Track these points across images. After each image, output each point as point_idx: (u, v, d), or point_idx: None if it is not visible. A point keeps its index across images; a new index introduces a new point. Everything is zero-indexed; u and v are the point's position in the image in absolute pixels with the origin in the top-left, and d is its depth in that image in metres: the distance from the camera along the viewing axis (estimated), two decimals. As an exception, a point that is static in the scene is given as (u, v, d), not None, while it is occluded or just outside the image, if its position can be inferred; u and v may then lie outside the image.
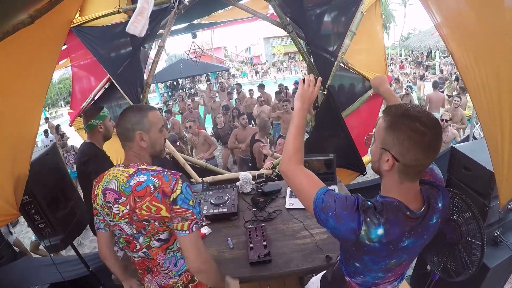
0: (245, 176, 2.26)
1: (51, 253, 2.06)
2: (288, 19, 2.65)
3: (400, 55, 25.73)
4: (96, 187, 1.18)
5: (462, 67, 1.44)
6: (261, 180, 2.41)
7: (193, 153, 5.40)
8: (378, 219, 0.85)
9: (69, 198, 2.18)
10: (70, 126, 3.41)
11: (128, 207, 1.08)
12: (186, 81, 19.15)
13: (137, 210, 1.06)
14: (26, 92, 1.91)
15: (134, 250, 1.19)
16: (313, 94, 1.15)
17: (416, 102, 9.44)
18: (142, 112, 1.17)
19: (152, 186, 1.05)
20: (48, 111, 23.09)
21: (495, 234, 1.86)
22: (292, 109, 4.80)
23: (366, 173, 3.03)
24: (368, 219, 0.85)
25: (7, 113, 1.74)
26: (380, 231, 0.85)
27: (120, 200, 1.09)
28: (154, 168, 1.12)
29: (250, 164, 4.30)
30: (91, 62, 3.05)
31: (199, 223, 1.10)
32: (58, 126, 8.46)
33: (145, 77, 3.03)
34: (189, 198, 1.08)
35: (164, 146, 1.28)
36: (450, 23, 1.52)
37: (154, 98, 18.64)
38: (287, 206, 1.96)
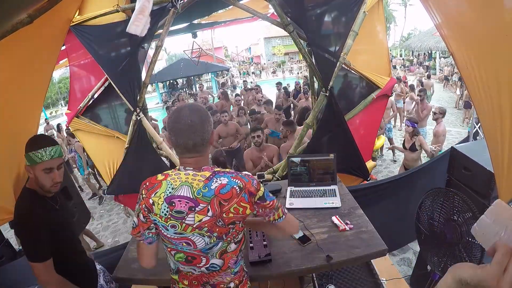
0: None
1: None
2: (288, 19, 2.64)
3: (401, 55, 25.74)
4: (153, 195, 1.02)
5: (463, 67, 1.44)
6: (261, 180, 2.41)
7: None
8: None
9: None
10: (67, 127, 3.41)
11: (210, 213, 0.99)
12: (185, 82, 19.16)
13: (224, 214, 1.00)
14: (26, 92, 1.91)
15: (198, 265, 1.09)
16: None
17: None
18: (204, 110, 1.08)
19: (237, 188, 1.00)
20: (49, 110, 23.11)
21: (495, 234, 1.86)
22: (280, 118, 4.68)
23: (370, 179, 2.99)
24: None
25: (6, 112, 1.75)
26: None
27: (197, 208, 0.99)
28: (227, 170, 1.07)
29: (234, 163, 4.33)
30: (91, 61, 3.05)
31: (287, 214, 1.16)
32: (59, 125, 8.46)
33: (144, 77, 3.03)
34: (268, 192, 1.10)
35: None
36: (450, 24, 1.52)
37: (154, 98, 18.65)
38: (287, 205, 1.95)
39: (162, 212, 1.01)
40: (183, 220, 1.00)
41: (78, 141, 4.47)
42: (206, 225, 1.00)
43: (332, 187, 2.06)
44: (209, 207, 0.99)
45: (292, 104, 7.18)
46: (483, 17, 1.26)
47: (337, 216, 1.72)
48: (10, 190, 1.73)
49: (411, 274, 2.68)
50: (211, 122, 1.07)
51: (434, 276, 1.74)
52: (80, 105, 3.20)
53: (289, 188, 2.11)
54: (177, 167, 1.09)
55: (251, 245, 1.56)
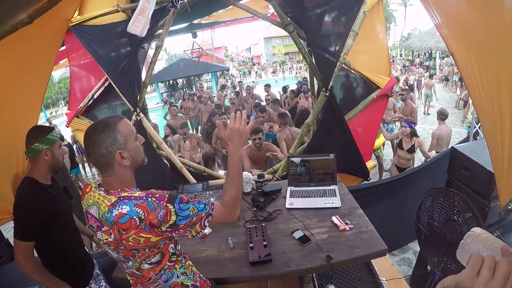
0: (246, 176, 2.25)
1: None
2: (288, 19, 2.64)
3: (401, 55, 25.74)
4: (82, 202, 1.07)
5: (463, 67, 1.44)
6: (261, 180, 2.41)
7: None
8: None
9: (69, 197, 2.17)
10: (67, 127, 3.40)
11: (112, 236, 0.98)
12: (185, 82, 19.18)
13: (123, 241, 0.97)
14: (25, 91, 1.92)
15: (124, 267, 1.13)
16: (247, 130, 1.11)
17: (422, 99, 9.65)
18: (112, 128, 0.99)
19: (137, 219, 0.94)
20: (49, 110, 23.11)
21: (495, 234, 1.86)
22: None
23: (370, 179, 2.99)
24: None
25: (5, 112, 1.75)
26: None
27: (102, 229, 1.00)
28: (137, 194, 0.98)
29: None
30: (91, 61, 3.06)
31: (211, 214, 1.04)
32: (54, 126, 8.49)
33: (144, 77, 3.03)
34: (187, 211, 1.00)
35: (144, 153, 1.13)
36: (450, 24, 1.52)
37: (154, 98, 18.66)
38: (287, 206, 1.95)
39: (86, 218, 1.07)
40: (96, 234, 1.05)
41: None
42: (112, 244, 1.02)
43: (332, 187, 2.06)
44: (111, 231, 0.98)
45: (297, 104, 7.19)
46: (483, 17, 1.26)
47: (337, 216, 1.72)
48: (9, 190, 1.73)
49: (411, 274, 2.68)
50: (112, 142, 0.98)
51: (434, 276, 1.74)
52: (80, 105, 3.20)
53: (289, 188, 2.11)
54: (97, 183, 1.07)
55: (251, 245, 1.56)
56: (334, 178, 2.11)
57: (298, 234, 1.64)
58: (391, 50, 26.09)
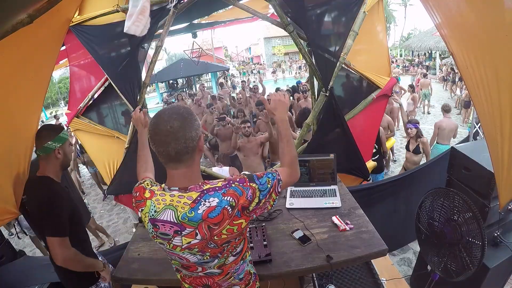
0: (245, 176, 2.26)
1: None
2: (288, 19, 2.64)
3: (401, 55, 25.75)
4: (140, 211, 0.99)
5: (463, 68, 1.44)
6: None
7: None
8: None
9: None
10: (67, 127, 3.40)
11: (199, 237, 0.92)
12: (185, 82, 19.17)
13: (215, 237, 0.93)
14: (25, 91, 1.91)
15: (195, 271, 1.07)
16: (287, 100, 1.21)
17: (421, 98, 9.68)
18: (192, 114, 0.95)
19: (229, 208, 0.90)
20: (49, 110, 23.12)
21: (495, 234, 1.86)
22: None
23: (370, 179, 2.99)
24: None
25: (6, 112, 1.74)
26: None
27: (184, 232, 0.92)
28: (219, 184, 0.94)
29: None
30: (91, 61, 3.05)
31: (279, 179, 1.03)
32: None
33: (144, 77, 3.03)
34: (266, 184, 0.98)
35: None
36: (450, 24, 1.52)
37: (155, 98, 18.66)
38: (287, 206, 1.96)
39: (149, 230, 0.99)
40: (170, 241, 0.96)
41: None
42: (196, 246, 0.95)
43: (332, 187, 2.06)
44: (197, 231, 0.92)
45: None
46: (483, 17, 1.26)
47: (337, 216, 1.73)
48: (10, 190, 1.73)
49: (411, 274, 2.68)
50: (197, 127, 0.93)
51: (434, 276, 1.74)
52: (80, 105, 3.20)
53: (289, 188, 2.11)
54: (163, 185, 1.00)
55: (251, 245, 1.56)
56: (334, 178, 2.11)
57: (298, 234, 1.64)
58: (391, 50, 26.09)
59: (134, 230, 4.09)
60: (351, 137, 2.75)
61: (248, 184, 0.96)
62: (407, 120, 3.99)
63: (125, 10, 2.67)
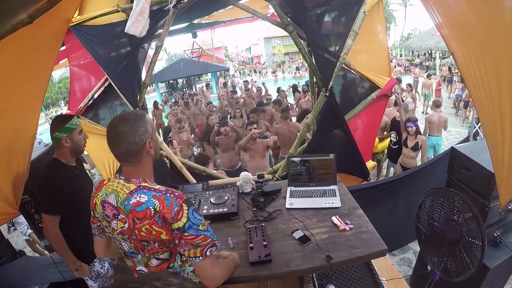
0: (245, 176, 2.25)
1: (51, 252, 2.06)
2: (288, 19, 2.63)
3: (401, 55, 25.75)
4: (95, 196, 1.10)
5: (463, 67, 1.44)
6: (261, 180, 2.41)
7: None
8: None
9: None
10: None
11: (126, 225, 1.02)
12: (185, 82, 19.16)
13: (136, 231, 1.00)
14: (25, 92, 1.91)
15: (129, 265, 1.16)
16: None
17: (421, 98, 9.69)
18: (143, 118, 1.05)
19: (152, 209, 0.97)
20: (49, 110, 23.11)
21: (495, 234, 1.86)
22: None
23: (370, 179, 2.99)
24: None
25: (6, 112, 1.75)
26: None
27: (119, 217, 1.03)
28: (157, 187, 1.03)
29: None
30: (91, 61, 3.05)
31: (216, 244, 1.04)
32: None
33: (143, 77, 3.03)
34: (198, 224, 0.99)
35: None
36: (451, 23, 1.52)
37: (154, 98, 18.63)
38: (287, 206, 1.95)
39: (99, 212, 1.09)
40: (110, 223, 1.06)
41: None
42: (126, 233, 1.04)
43: (332, 187, 2.06)
44: (126, 219, 1.01)
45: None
46: (484, 17, 1.26)
47: (337, 216, 1.72)
48: (10, 190, 1.73)
49: (411, 274, 2.68)
50: (142, 132, 1.02)
51: (434, 276, 1.74)
52: (80, 105, 3.20)
53: (289, 188, 2.11)
54: (116, 174, 1.11)
55: (251, 245, 1.56)
56: (334, 178, 2.11)
57: (298, 234, 1.64)
58: (391, 50, 26.08)
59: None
60: (351, 137, 2.75)
61: (181, 202, 0.99)
62: (405, 119, 4.00)
63: (125, 10, 2.67)
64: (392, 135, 4.20)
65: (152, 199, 0.98)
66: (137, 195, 1.00)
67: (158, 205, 0.97)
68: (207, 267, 1.04)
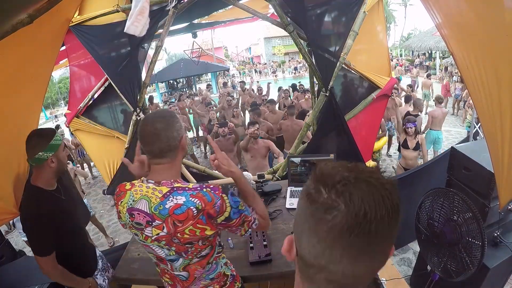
0: (246, 176, 2.26)
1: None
2: (288, 19, 2.64)
3: (401, 55, 25.74)
4: (119, 203, 1.04)
5: (463, 68, 1.44)
6: (261, 180, 2.41)
7: None
8: None
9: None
10: (67, 127, 3.40)
11: (165, 230, 0.97)
12: (185, 82, 19.16)
13: (178, 234, 0.96)
14: (25, 91, 1.91)
15: (166, 269, 1.13)
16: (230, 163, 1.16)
17: (421, 98, 9.73)
18: (176, 116, 1.05)
19: (194, 209, 0.93)
20: (49, 110, 23.13)
21: (495, 234, 1.86)
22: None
23: None
24: None
25: (6, 112, 1.75)
26: None
27: (154, 223, 0.97)
28: (190, 186, 0.99)
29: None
30: (91, 61, 3.05)
31: (255, 220, 1.07)
32: (58, 126, 8.49)
33: (144, 77, 3.03)
34: (237, 205, 1.01)
35: None
36: (450, 23, 1.52)
37: (155, 98, 18.62)
38: (287, 206, 1.96)
39: (126, 220, 1.04)
40: (143, 231, 1.01)
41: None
42: (164, 239, 0.99)
43: (332, 187, 2.06)
44: (164, 225, 0.96)
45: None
46: (484, 17, 1.26)
47: (337, 216, 1.72)
48: (10, 191, 1.73)
49: (411, 274, 2.68)
50: (178, 128, 1.02)
51: (434, 276, 1.74)
52: (80, 105, 3.20)
53: (289, 188, 2.11)
54: (142, 178, 1.06)
55: (251, 245, 1.56)
56: (334, 178, 2.10)
57: None
58: (391, 50, 26.08)
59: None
60: (351, 137, 2.75)
61: (220, 194, 0.98)
62: (401, 119, 4.02)
63: (125, 10, 2.67)
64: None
65: (190, 198, 0.95)
66: (173, 198, 0.96)
67: (200, 203, 0.94)
68: (259, 225, 1.10)
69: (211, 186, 0.99)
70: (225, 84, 11.75)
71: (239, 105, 7.62)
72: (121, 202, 1.04)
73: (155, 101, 9.92)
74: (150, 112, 1.10)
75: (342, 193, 0.40)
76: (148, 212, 0.97)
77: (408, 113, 4.81)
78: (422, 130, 4.66)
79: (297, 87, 8.32)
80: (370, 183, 0.42)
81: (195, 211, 0.94)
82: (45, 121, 18.51)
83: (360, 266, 0.42)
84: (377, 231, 0.41)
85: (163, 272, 1.19)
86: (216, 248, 1.13)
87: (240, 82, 11.02)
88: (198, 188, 0.97)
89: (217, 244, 1.14)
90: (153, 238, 1.00)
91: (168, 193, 0.96)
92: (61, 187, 1.61)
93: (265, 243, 1.57)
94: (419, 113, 4.86)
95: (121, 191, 1.06)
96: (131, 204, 1.01)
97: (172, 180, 1.01)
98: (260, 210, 1.12)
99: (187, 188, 0.98)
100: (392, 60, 17.20)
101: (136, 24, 2.17)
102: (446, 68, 12.07)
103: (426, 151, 4.00)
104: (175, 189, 0.97)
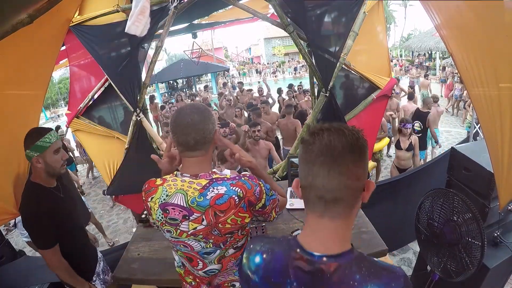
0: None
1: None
2: (288, 19, 2.64)
3: (401, 55, 25.75)
4: (149, 199, 1.01)
5: (462, 68, 1.45)
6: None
7: None
8: (260, 246, 0.74)
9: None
10: (67, 127, 3.40)
11: (204, 222, 0.96)
12: (185, 82, 19.17)
13: (219, 225, 0.96)
14: (25, 91, 1.92)
15: (195, 268, 1.10)
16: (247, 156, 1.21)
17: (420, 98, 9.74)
18: (209, 109, 1.05)
19: (236, 197, 0.94)
20: (50, 110, 23.13)
21: (495, 234, 1.86)
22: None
23: (369, 179, 2.99)
24: (252, 245, 0.76)
25: (6, 112, 1.75)
26: (258, 258, 0.72)
27: (191, 217, 0.96)
28: (228, 175, 1.00)
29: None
30: (91, 62, 3.05)
31: (277, 201, 1.10)
32: (58, 127, 8.49)
33: (144, 78, 3.03)
34: (268, 192, 1.04)
35: None
36: (450, 24, 1.52)
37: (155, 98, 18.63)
38: (287, 206, 1.96)
39: (158, 217, 1.01)
40: (178, 227, 0.99)
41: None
42: (201, 233, 0.99)
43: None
44: (203, 217, 0.96)
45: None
46: (483, 17, 1.26)
47: (337, 217, 1.72)
48: (10, 190, 1.73)
49: (411, 274, 2.68)
50: (213, 121, 1.02)
51: (434, 276, 1.74)
52: (80, 106, 3.20)
53: (289, 189, 2.11)
54: (175, 172, 1.05)
55: (251, 245, 1.57)
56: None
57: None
58: (391, 50, 26.09)
59: (134, 230, 4.10)
60: (351, 137, 2.75)
61: (257, 181, 1.01)
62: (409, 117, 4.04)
63: (125, 10, 2.67)
64: (416, 124, 4.23)
65: (231, 187, 0.95)
66: (213, 188, 0.95)
67: (241, 191, 0.95)
68: (282, 206, 1.17)
69: (248, 175, 1.02)
70: (224, 84, 11.72)
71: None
72: (152, 198, 1.01)
73: (155, 101, 9.96)
74: (184, 105, 1.09)
75: (319, 134, 0.63)
76: (185, 205, 0.96)
77: (418, 110, 4.89)
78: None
79: (296, 88, 8.27)
80: (340, 129, 0.63)
81: (237, 199, 0.95)
82: (45, 121, 18.51)
83: (332, 180, 0.61)
84: (339, 155, 0.60)
85: (187, 273, 1.17)
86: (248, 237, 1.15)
87: (238, 83, 10.95)
88: (237, 178, 0.99)
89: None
90: (189, 233, 0.99)
91: (207, 185, 0.96)
92: (60, 186, 1.62)
93: (265, 243, 1.57)
94: (429, 110, 4.88)
95: (151, 186, 1.03)
96: (164, 199, 0.98)
97: (210, 172, 1.01)
98: (280, 193, 1.18)
99: (226, 178, 0.98)
100: (392, 61, 17.19)
101: (137, 24, 2.17)
102: (444, 68, 12.05)
103: (418, 153, 4.03)
104: (214, 180, 0.97)
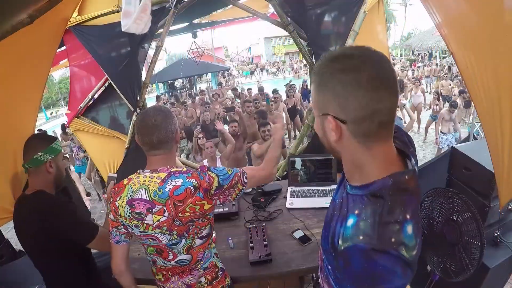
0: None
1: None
2: (288, 18, 2.64)
3: (401, 55, 25.72)
4: (118, 199, 1.09)
5: (463, 67, 1.44)
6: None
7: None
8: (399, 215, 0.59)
9: (69, 197, 2.17)
10: (67, 127, 3.41)
11: (166, 214, 1.04)
12: (186, 82, 19.13)
13: (179, 214, 1.04)
14: (23, 91, 1.91)
15: (167, 259, 1.15)
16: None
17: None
18: (170, 111, 1.16)
19: (192, 188, 1.04)
20: (49, 110, 23.13)
21: (495, 234, 1.86)
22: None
23: None
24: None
25: (3, 111, 1.75)
26: (409, 228, 0.60)
27: (154, 209, 1.04)
28: (184, 169, 1.10)
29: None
30: (91, 62, 3.05)
31: (243, 172, 1.17)
32: (64, 124, 8.47)
33: (144, 77, 3.03)
34: (224, 172, 1.12)
35: None
36: (451, 23, 1.52)
37: (154, 98, 18.61)
38: (287, 205, 1.96)
39: (126, 213, 1.08)
40: (143, 221, 1.07)
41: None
42: (165, 224, 1.06)
43: (333, 187, 2.06)
44: (164, 208, 1.04)
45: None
46: (483, 17, 1.26)
47: (337, 216, 1.72)
48: (8, 190, 1.73)
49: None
50: (175, 122, 1.13)
51: (434, 276, 1.74)
52: (81, 106, 3.20)
53: (289, 188, 2.11)
54: (138, 170, 1.13)
55: (251, 245, 1.56)
56: (335, 178, 2.11)
57: (298, 234, 1.64)
58: (391, 50, 26.03)
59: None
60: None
61: (206, 170, 1.10)
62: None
63: (125, 10, 2.67)
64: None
65: (187, 179, 1.05)
66: (171, 181, 1.04)
67: (196, 182, 1.05)
68: (253, 181, 1.21)
69: (199, 169, 1.11)
70: (220, 84, 11.73)
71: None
72: (120, 197, 1.09)
73: (155, 102, 9.95)
74: (148, 108, 1.24)
75: (360, 57, 0.59)
76: (148, 199, 1.04)
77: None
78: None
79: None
80: (369, 53, 0.60)
81: (193, 189, 1.04)
82: (45, 122, 18.48)
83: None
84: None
85: (158, 269, 1.22)
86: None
87: (232, 90, 10.39)
88: (191, 171, 1.09)
89: (212, 229, 1.22)
90: (154, 226, 1.06)
91: (166, 178, 1.05)
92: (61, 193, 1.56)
93: (265, 243, 1.57)
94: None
95: (119, 187, 1.12)
96: (130, 196, 1.07)
97: (168, 167, 1.10)
98: (268, 157, 1.33)
99: (182, 171, 1.08)
100: (394, 65, 17.15)
101: (138, 22, 2.16)
102: (450, 68, 12.00)
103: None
104: (172, 173, 1.07)
